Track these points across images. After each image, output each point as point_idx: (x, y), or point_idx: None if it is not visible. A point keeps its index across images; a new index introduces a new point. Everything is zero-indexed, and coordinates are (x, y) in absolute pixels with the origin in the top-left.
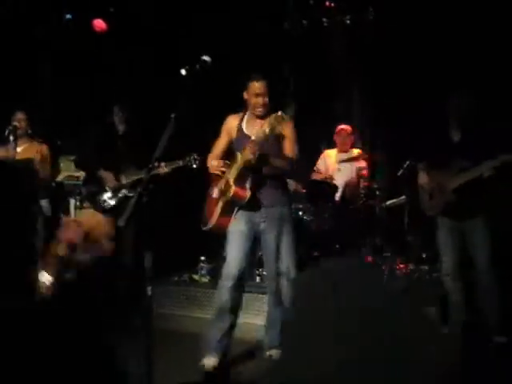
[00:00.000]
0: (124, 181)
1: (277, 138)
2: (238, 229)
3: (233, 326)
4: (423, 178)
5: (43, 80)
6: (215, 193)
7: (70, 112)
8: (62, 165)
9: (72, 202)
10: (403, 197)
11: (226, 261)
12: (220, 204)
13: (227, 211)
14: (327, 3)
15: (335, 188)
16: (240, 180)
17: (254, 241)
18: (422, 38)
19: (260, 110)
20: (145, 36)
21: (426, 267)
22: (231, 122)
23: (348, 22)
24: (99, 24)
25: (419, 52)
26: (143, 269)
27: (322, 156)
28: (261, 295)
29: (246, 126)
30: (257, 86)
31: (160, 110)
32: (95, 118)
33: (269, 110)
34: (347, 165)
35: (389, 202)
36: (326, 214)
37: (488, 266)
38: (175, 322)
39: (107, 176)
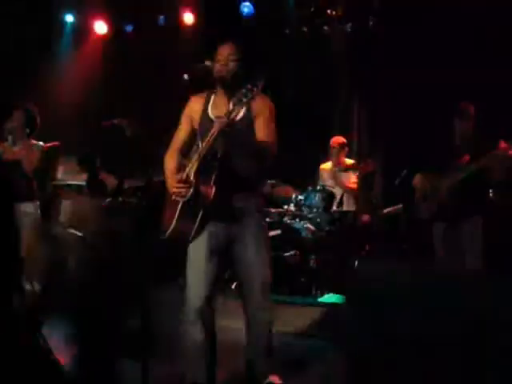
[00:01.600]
0: (126, 186)
1: (250, 119)
2: (200, 242)
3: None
4: (416, 180)
5: (47, 79)
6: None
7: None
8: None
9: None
10: (400, 205)
11: (187, 288)
12: (179, 207)
13: (188, 214)
14: (328, 11)
15: (332, 196)
16: (202, 173)
17: (224, 254)
18: (423, 47)
19: (219, 70)
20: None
21: None
22: (194, 105)
23: (349, 30)
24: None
25: (419, 61)
26: (140, 274)
27: (319, 171)
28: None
29: (212, 108)
30: (219, 49)
31: (169, 115)
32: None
33: (238, 84)
34: (344, 174)
35: (385, 210)
36: (322, 221)
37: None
38: (169, 328)
39: (108, 179)
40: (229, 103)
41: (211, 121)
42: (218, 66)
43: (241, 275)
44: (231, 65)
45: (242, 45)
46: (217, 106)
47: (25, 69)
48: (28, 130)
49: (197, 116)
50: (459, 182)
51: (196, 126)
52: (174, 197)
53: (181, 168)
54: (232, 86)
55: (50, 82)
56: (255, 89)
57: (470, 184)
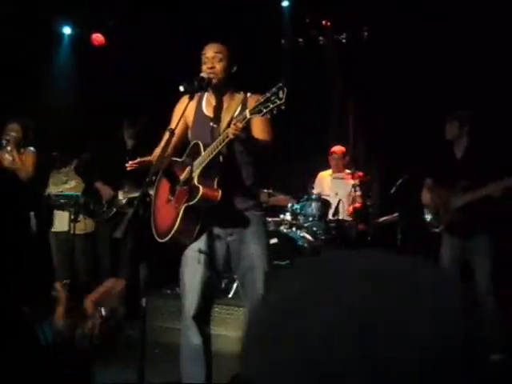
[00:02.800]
0: (121, 196)
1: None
2: (196, 251)
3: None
4: (425, 198)
5: (47, 90)
6: (168, 196)
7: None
8: (52, 178)
9: (65, 213)
10: (396, 214)
11: (183, 294)
12: (181, 211)
13: (190, 218)
14: (323, 22)
15: (328, 205)
16: (205, 177)
17: (221, 260)
18: (417, 57)
19: (208, 72)
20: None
21: None
22: (186, 104)
23: (343, 40)
24: (98, 38)
25: (414, 70)
26: (138, 281)
27: (317, 179)
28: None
29: (206, 106)
30: (205, 48)
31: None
32: (105, 132)
33: (227, 84)
34: (341, 182)
35: (381, 220)
36: (318, 230)
37: (488, 288)
38: (167, 334)
39: (104, 189)
40: (220, 104)
41: (206, 118)
42: (204, 68)
43: (242, 273)
44: (218, 66)
45: (229, 44)
46: (210, 104)
47: (24, 80)
48: (23, 142)
49: (190, 115)
50: (468, 203)
51: (188, 122)
52: (172, 199)
53: (172, 168)
54: (221, 87)
55: (49, 92)
56: (278, 101)
57: (478, 204)
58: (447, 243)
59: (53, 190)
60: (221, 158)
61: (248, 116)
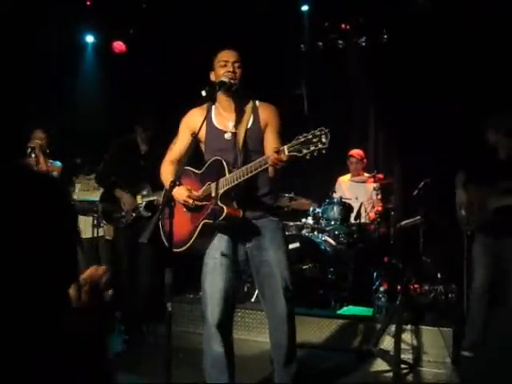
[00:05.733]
0: (139, 200)
1: (259, 129)
2: (217, 259)
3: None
4: (461, 196)
5: (65, 98)
6: (183, 211)
7: (90, 130)
8: (79, 184)
9: (88, 219)
10: (418, 217)
11: (204, 302)
12: (199, 226)
13: (207, 233)
14: (343, 25)
15: (350, 209)
16: (227, 196)
17: (243, 266)
18: (437, 60)
19: (230, 76)
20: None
21: (442, 288)
22: (195, 117)
23: (363, 44)
24: (119, 46)
25: (434, 73)
26: (163, 286)
27: (337, 183)
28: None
29: (217, 119)
30: (224, 53)
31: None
32: (119, 137)
33: (240, 93)
34: (361, 186)
35: (404, 223)
36: (340, 233)
37: None
38: (191, 340)
39: (124, 195)
40: (235, 113)
41: (218, 131)
42: (223, 71)
43: (262, 279)
44: (238, 72)
45: (239, 50)
46: (221, 116)
47: (49, 88)
48: (48, 150)
49: (199, 127)
50: (505, 206)
51: (200, 137)
52: (188, 212)
53: (181, 178)
54: (237, 94)
55: (74, 100)
56: (320, 145)
57: None
58: (480, 243)
59: (81, 195)
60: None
61: (287, 153)
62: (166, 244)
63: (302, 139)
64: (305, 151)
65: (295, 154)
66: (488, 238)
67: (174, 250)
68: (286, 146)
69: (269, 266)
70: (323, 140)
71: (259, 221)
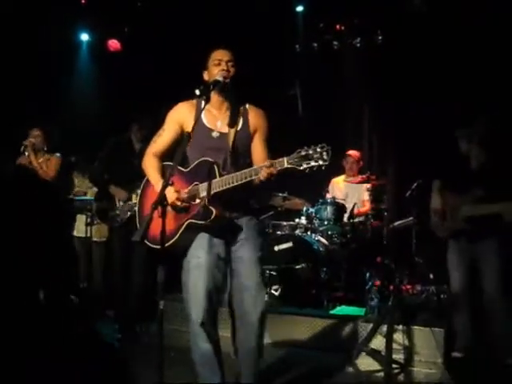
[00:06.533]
0: (135, 200)
1: (248, 133)
2: (200, 258)
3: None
4: (436, 202)
5: (62, 97)
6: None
7: (87, 128)
8: (76, 181)
9: (82, 217)
10: (411, 218)
11: (188, 300)
12: (184, 225)
13: (191, 231)
14: (337, 26)
15: (343, 209)
16: (215, 198)
17: (224, 263)
18: (431, 61)
19: (224, 75)
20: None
21: (434, 288)
22: (183, 112)
23: (358, 44)
24: (114, 44)
25: (430, 74)
26: (156, 284)
27: (330, 184)
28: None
29: (207, 117)
30: (218, 52)
31: None
32: (113, 135)
33: (232, 93)
34: (355, 187)
35: (396, 223)
36: (333, 233)
37: (496, 294)
38: (183, 338)
39: (118, 193)
40: (221, 115)
41: (206, 129)
42: (217, 70)
43: (234, 273)
44: (232, 71)
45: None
46: (211, 114)
47: (45, 87)
48: (45, 147)
49: (187, 123)
50: (477, 215)
51: (185, 131)
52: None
53: (165, 173)
54: (229, 93)
55: (69, 98)
56: (321, 161)
57: (487, 217)
58: (454, 249)
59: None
60: None
61: (285, 165)
62: (148, 243)
63: (303, 153)
64: (304, 166)
65: (294, 166)
66: (461, 243)
67: (151, 245)
68: (285, 158)
69: (242, 263)
70: (324, 157)
71: (239, 220)
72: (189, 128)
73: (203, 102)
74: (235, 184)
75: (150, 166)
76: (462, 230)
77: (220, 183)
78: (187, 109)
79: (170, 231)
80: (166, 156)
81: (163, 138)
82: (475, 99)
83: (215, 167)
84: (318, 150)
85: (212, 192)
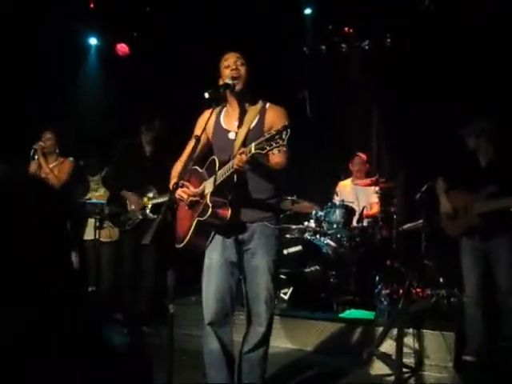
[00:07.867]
0: (146, 203)
1: (261, 132)
2: (213, 259)
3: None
4: (445, 206)
5: (71, 101)
6: (185, 208)
7: (97, 133)
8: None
9: (92, 221)
10: (420, 221)
11: (204, 302)
12: (194, 223)
13: (203, 230)
14: (346, 29)
15: (352, 212)
16: (218, 195)
17: (238, 267)
18: (440, 64)
19: (234, 75)
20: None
21: (444, 291)
22: (206, 117)
23: (366, 47)
24: (122, 48)
25: (439, 77)
26: (166, 287)
27: (337, 187)
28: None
29: (224, 119)
30: (227, 55)
31: (188, 132)
32: (123, 138)
33: (248, 91)
34: (362, 190)
35: (406, 226)
36: (342, 237)
37: (510, 290)
38: (194, 342)
39: (130, 197)
40: (241, 112)
41: (223, 131)
42: (228, 72)
43: (248, 283)
44: (242, 69)
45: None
46: (229, 116)
47: (54, 91)
48: (57, 150)
49: (210, 127)
50: (490, 211)
51: (210, 136)
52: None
53: (188, 174)
54: (243, 94)
55: (78, 102)
56: (280, 141)
57: (500, 212)
58: (468, 249)
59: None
60: (235, 178)
61: (253, 151)
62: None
63: (267, 136)
64: (267, 148)
65: (259, 151)
66: (475, 241)
67: (176, 245)
68: (253, 144)
69: (255, 272)
70: (283, 136)
71: (253, 225)
72: (210, 132)
73: (224, 108)
74: (224, 177)
75: (174, 171)
76: (475, 226)
77: (215, 178)
78: (209, 114)
79: (184, 231)
80: (200, 161)
81: (190, 145)
82: (477, 99)
83: (216, 163)
84: (280, 129)
85: (211, 188)
